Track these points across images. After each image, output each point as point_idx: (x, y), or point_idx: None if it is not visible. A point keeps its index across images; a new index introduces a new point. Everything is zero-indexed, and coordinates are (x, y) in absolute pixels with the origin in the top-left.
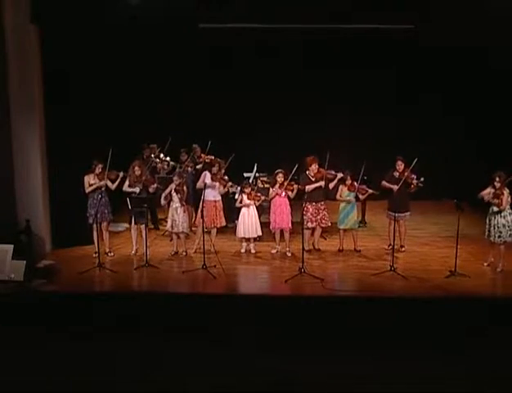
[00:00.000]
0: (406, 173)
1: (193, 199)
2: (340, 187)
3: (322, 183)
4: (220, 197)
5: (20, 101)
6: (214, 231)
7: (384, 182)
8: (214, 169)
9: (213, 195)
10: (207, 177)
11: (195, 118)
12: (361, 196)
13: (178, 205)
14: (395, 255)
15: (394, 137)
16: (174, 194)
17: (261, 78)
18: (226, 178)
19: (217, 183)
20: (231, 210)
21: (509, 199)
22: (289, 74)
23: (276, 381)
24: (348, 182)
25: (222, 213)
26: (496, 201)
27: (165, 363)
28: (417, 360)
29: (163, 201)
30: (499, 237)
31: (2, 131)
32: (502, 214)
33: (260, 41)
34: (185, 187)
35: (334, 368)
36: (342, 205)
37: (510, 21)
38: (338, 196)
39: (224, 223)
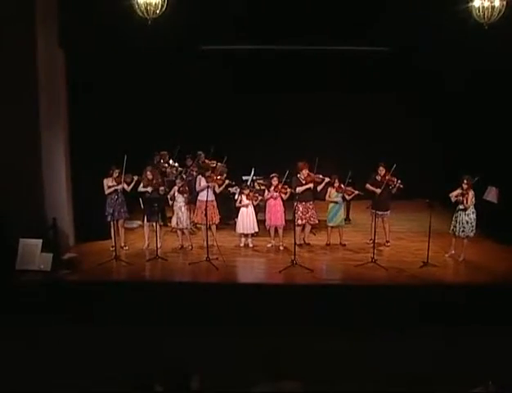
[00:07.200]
0: (387, 177)
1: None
2: (329, 189)
3: (311, 185)
4: (214, 197)
5: (48, 115)
6: (214, 227)
7: (368, 185)
8: (208, 173)
9: (209, 195)
10: (202, 180)
11: (198, 128)
12: (347, 197)
13: (182, 204)
14: (378, 248)
15: (374, 142)
16: (178, 195)
17: (257, 91)
18: (219, 177)
19: (213, 183)
20: (231, 209)
21: (473, 199)
22: (285, 88)
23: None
24: (336, 184)
25: (217, 210)
26: (461, 199)
27: (168, 346)
28: (394, 341)
29: (170, 202)
30: (462, 231)
31: (33, 142)
32: (466, 213)
33: (259, 56)
34: (187, 188)
35: (320, 345)
36: (331, 205)
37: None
38: (327, 197)
39: (218, 220)
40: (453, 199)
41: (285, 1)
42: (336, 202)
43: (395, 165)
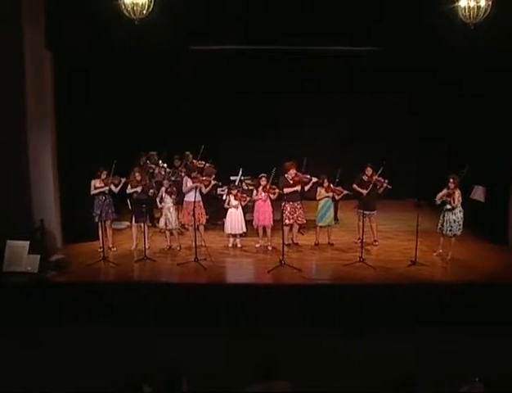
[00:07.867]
0: (374, 178)
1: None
2: (318, 189)
3: (298, 188)
4: (201, 198)
5: (35, 115)
6: (202, 228)
7: (354, 186)
8: (194, 174)
9: (195, 196)
10: (188, 181)
11: (186, 128)
12: (336, 197)
13: (171, 204)
14: (366, 247)
15: (367, 141)
16: (166, 196)
17: (248, 91)
18: (205, 178)
19: (200, 184)
20: (219, 210)
21: (460, 198)
22: (280, 88)
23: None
24: (326, 184)
25: (204, 211)
26: (448, 199)
27: (157, 346)
28: (382, 340)
29: (159, 204)
30: (450, 230)
31: (19, 142)
32: (454, 212)
33: (255, 55)
34: (174, 189)
35: (309, 345)
36: (320, 205)
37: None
38: (317, 197)
39: (205, 221)
40: (438, 201)
41: (285, 0)
42: (328, 197)
43: (382, 167)
